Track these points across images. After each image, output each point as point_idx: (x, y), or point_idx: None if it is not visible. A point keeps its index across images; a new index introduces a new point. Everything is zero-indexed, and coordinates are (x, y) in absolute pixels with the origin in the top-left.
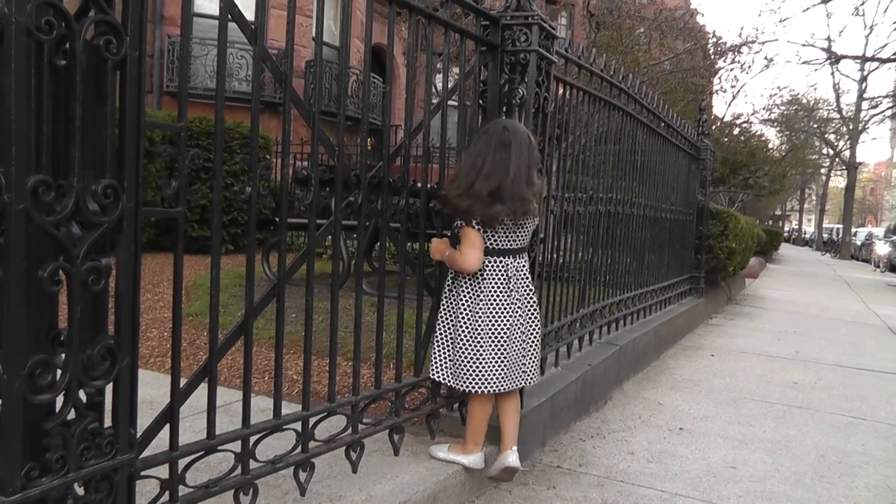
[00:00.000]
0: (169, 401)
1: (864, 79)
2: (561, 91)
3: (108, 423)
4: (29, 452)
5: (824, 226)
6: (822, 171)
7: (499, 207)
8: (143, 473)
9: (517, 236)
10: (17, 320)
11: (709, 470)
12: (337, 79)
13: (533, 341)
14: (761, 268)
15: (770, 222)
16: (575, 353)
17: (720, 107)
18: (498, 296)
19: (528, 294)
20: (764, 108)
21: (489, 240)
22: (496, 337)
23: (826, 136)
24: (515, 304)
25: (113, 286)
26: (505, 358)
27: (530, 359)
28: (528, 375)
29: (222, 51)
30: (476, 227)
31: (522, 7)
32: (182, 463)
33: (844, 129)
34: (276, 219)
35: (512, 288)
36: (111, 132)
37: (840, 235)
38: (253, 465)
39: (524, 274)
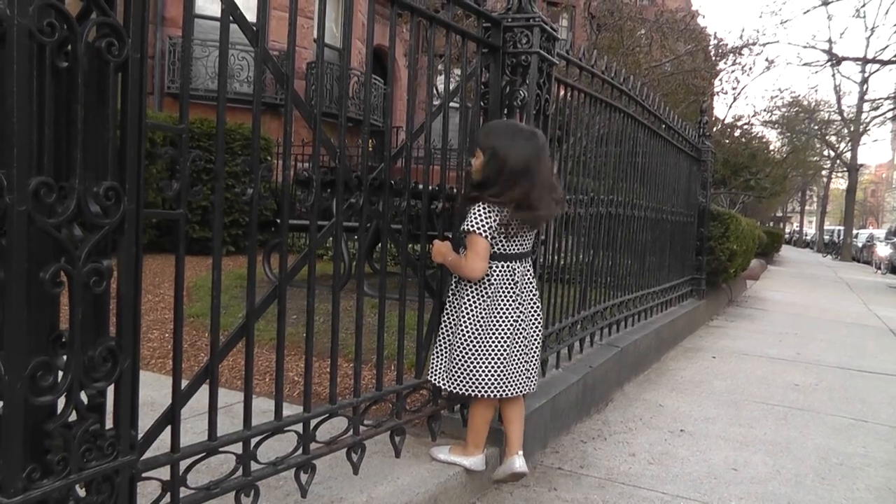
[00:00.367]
0: (170, 402)
1: (865, 80)
2: (562, 93)
3: (109, 424)
4: (30, 454)
5: (825, 228)
6: (823, 172)
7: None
8: (144, 475)
9: (524, 241)
10: (18, 322)
11: (710, 472)
12: (338, 80)
13: (536, 347)
14: (762, 269)
15: (771, 224)
16: (576, 355)
17: (721, 108)
18: (505, 300)
19: (532, 299)
20: (765, 110)
21: (497, 245)
22: (502, 341)
23: (827, 137)
24: (521, 308)
25: (114, 288)
26: (509, 362)
27: (532, 364)
28: (531, 381)
29: (224, 52)
30: (485, 235)
31: (524, 9)
32: (183, 464)
33: (845, 130)
34: (278, 220)
35: (518, 293)
36: (113, 134)
37: (841, 237)
38: (254, 466)
39: (529, 278)
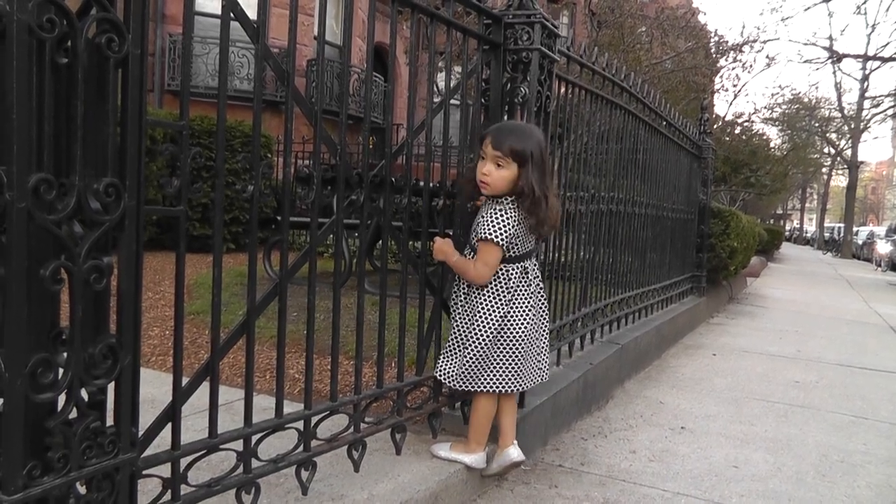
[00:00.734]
0: (171, 399)
1: (865, 77)
2: (563, 90)
3: (109, 421)
4: (31, 451)
5: (825, 225)
6: (824, 170)
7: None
8: (144, 472)
9: (531, 237)
10: (18, 319)
11: (711, 469)
12: (339, 77)
13: (545, 339)
14: (763, 267)
15: (771, 221)
16: (576, 352)
17: (722, 106)
18: (522, 300)
19: (540, 291)
20: (765, 107)
21: (513, 248)
22: (519, 339)
23: (827, 135)
24: (532, 303)
25: (115, 285)
26: (525, 356)
27: (544, 355)
28: (543, 372)
29: (224, 49)
30: (503, 244)
31: (525, 5)
32: (184, 462)
33: (846, 128)
34: (278, 217)
35: (532, 291)
36: (113, 130)
37: (841, 234)
38: (255, 463)
39: (537, 273)
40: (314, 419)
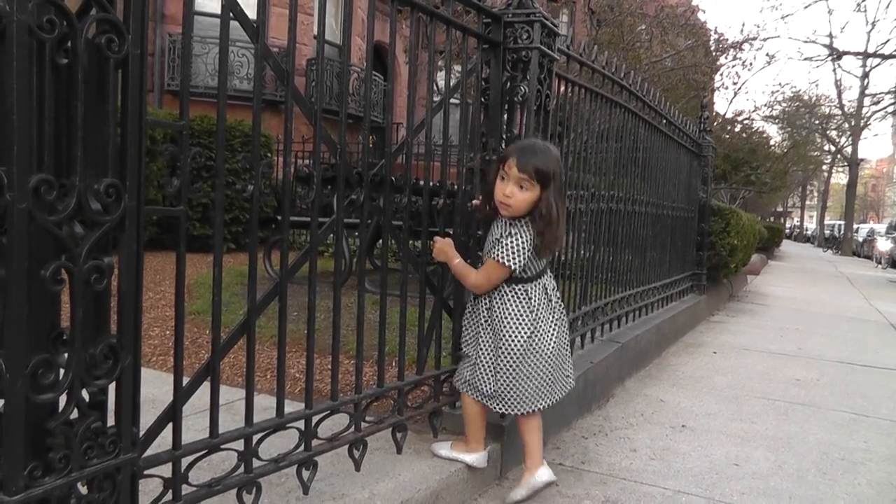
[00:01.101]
0: (171, 399)
1: (865, 75)
2: (563, 88)
3: (110, 422)
4: (32, 452)
5: (826, 222)
6: (824, 167)
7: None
8: (146, 472)
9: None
10: (19, 320)
11: (711, 467)
12: (338, 77)
13: (568, 349)
14: (763, 264)
15: (772, 219)
16: (577, 351)
17: (722, 104)
18: (545, 317)
19: (561, 308)
20: (766, 105)
21: (530, 269)
22: (547, 357)
23: (828, 132)
24: (555, 318)
25: (115, 285)
26: (552, 374)
27: (569, 363)
28: (570, 379)
29: (224, 49)
30: (516, 269)
31: (524, 4)
32: (185, 462)
33: (846, 125)
34: (278, 217)
35: (554, 305)
36: (113, 131)
37: (842, 232)
38: (256, 463)
39: (555, 286)
40: (315, 418)
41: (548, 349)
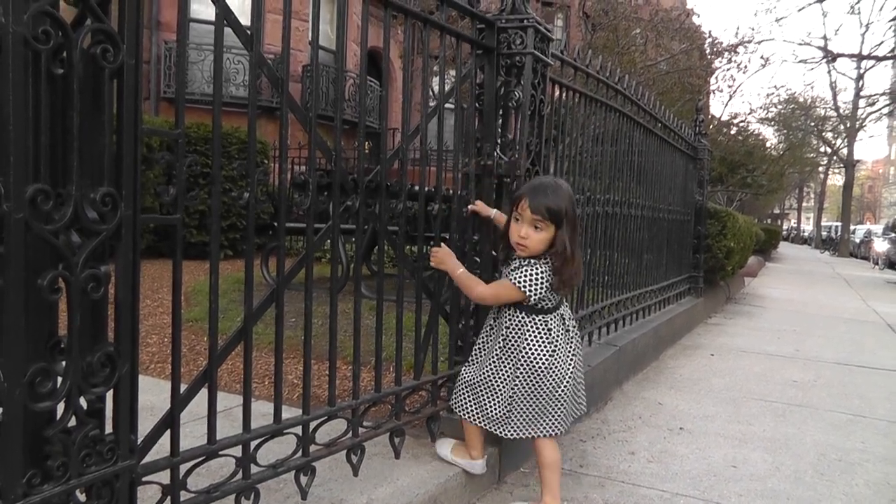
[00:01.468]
0: (169, 406)
1: (860, 77)
2: (557, 93)
3: (108, 429)
4: (30, 460)
5: (823, 224)
6: (820, 169)
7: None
8: (144, 479)
9: None
10: (16, 329)
11: (709, 469)
12: (333, 83)
13: (582, 375)
14: (760, 266)
15: (768, 221)
16: None
17: (717, 107)
18: (563, 347)
19: (577, 338)
20: (761, 108)
21: (547, 301)
22: (564, 385)
23: (823, 134)
24: (572, 347)
25: (112, 293)
26: (567, 401)
27: (581, 388)
28: (581, 408)
29: (219, 56)
30: (533, 300)
31: (517, 10)
32: (183, 468)
33: (842, 127)
34: (275, 223)
35: (570, 337)
36: (109, 140)
37: (839, 233)
38: (254, 469)
39: (570, 313)
40: (313, 424)
41: (565, 379)
